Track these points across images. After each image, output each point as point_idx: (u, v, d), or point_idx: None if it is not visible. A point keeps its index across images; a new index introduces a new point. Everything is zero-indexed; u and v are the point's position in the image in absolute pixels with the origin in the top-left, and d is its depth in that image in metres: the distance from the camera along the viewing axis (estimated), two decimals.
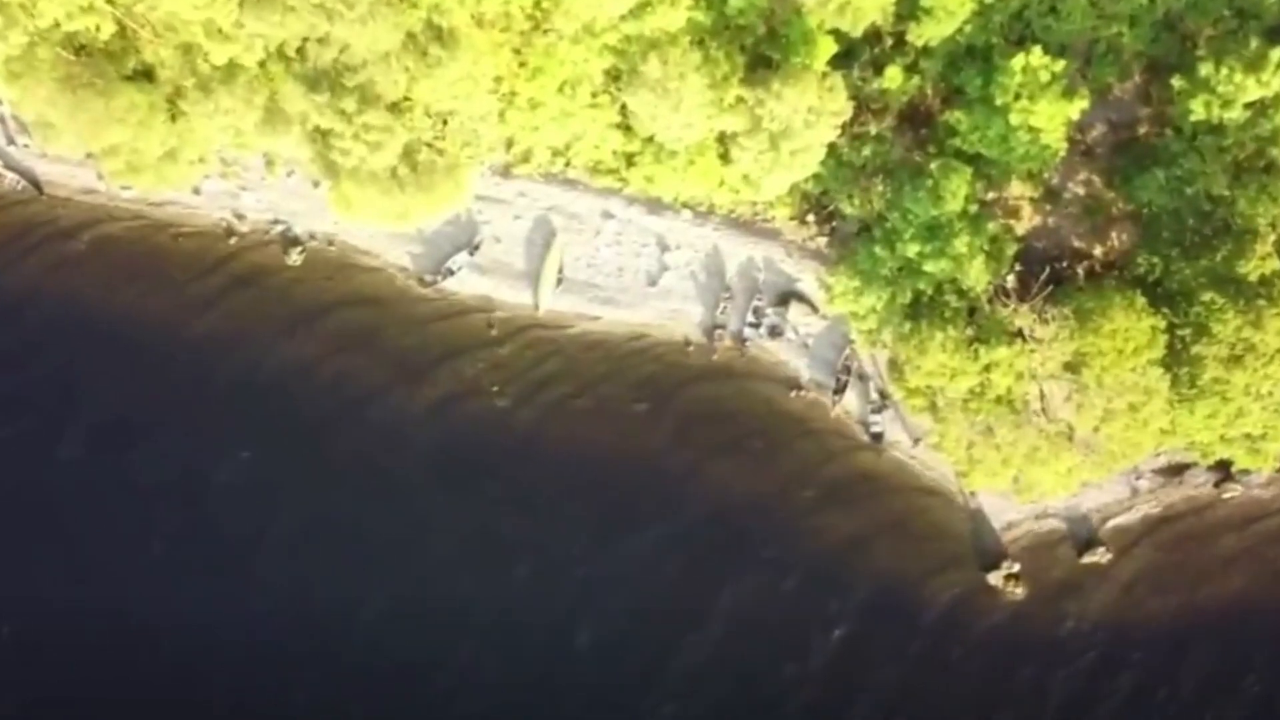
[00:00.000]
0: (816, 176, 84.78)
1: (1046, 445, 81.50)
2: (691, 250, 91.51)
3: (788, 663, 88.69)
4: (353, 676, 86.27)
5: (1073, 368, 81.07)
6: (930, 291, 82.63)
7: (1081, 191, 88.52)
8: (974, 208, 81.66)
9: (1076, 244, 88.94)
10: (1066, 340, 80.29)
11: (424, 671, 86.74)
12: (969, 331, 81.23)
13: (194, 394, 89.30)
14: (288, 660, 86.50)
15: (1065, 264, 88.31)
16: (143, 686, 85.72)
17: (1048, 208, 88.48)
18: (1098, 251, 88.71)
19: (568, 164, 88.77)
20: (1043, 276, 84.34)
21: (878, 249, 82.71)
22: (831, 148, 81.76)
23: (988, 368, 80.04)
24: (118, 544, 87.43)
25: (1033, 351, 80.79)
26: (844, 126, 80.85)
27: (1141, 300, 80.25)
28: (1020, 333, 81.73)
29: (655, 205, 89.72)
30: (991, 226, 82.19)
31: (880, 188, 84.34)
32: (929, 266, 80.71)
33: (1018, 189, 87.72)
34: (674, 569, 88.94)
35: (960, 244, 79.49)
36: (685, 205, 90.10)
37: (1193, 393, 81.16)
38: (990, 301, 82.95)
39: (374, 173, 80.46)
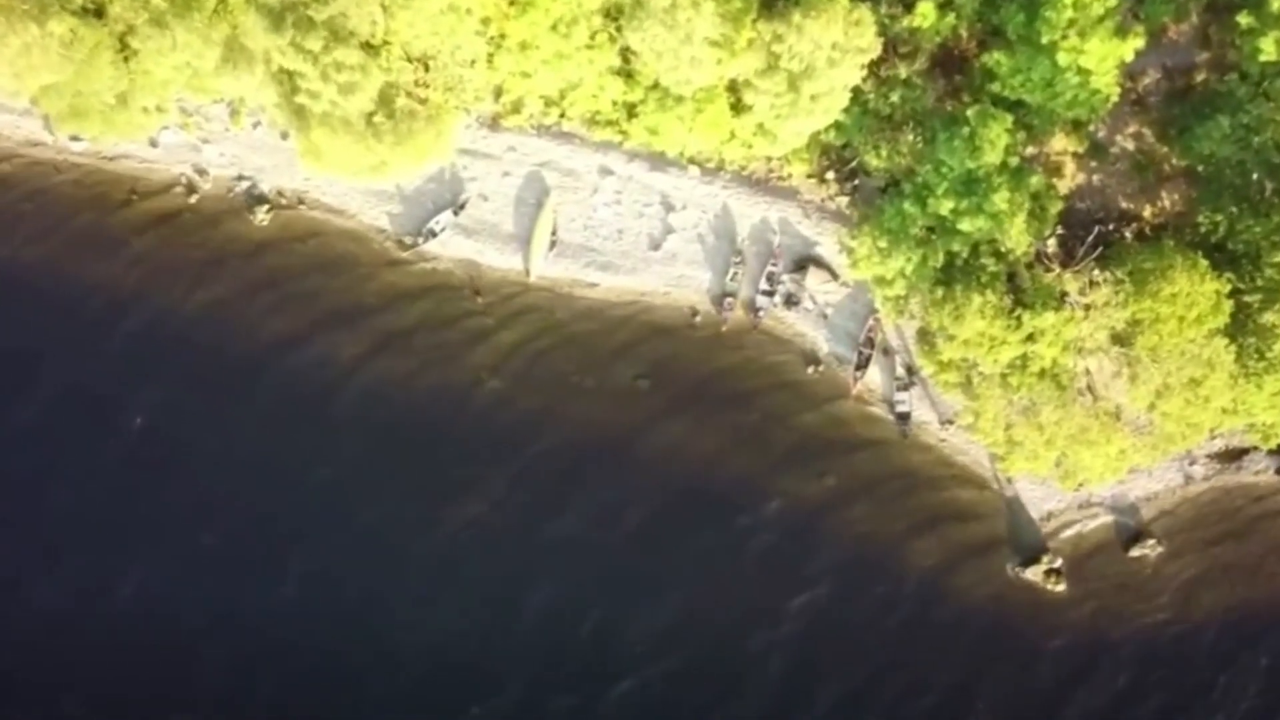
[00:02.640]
0: (838, 126, 79.84)
1: (1096, 425, 75.89)
2: (699, 210, 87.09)
3: (802, 660, 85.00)
4: (284, 642, 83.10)
5: (1123, 339, 75.78)
6: (965, 253, 77.29)
7: (1131, 146, 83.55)
8: (1015, 160, 76.53)
9: (1124, 204, 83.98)
10: (1119, 307, 74.96)
11: (367, 636, 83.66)
12: (1009, 298, 75.88)
13: (150, 364, 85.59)
14: (216, 624, 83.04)
15: (1112, 226, 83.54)
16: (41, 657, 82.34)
17: (1093, 164, 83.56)
18: (1147, 213, 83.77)
19: (562, 115, 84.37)
20: (1089, 239, 79.72)
21: (907, 205, 77.24)
22: (855, 95, 76.98)
23: (1032, 336, 74.50)
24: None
25: (1082, 319, 75.12)
26: (869, 71, 76.02)
27: (1204, 262, 75.11)
28: (1065, 298, 76.45)
29: (659, 161, 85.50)
30: (1034, 181, 77.13)
31: (910, 138, 79.11)
32: (965, 225, 75.24)
33: (1060, 144, 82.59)
34: (682, 562, 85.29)
35: (1000, 199, 74.12)
36: (692, 161, 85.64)
37: (1260, 366, 76.04)
38: (1029, 267, 77.98)
39: (347, 120, 76.52)
